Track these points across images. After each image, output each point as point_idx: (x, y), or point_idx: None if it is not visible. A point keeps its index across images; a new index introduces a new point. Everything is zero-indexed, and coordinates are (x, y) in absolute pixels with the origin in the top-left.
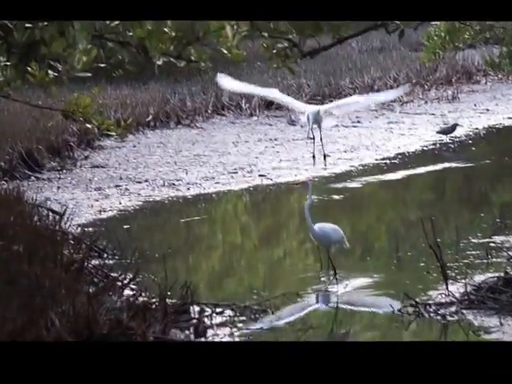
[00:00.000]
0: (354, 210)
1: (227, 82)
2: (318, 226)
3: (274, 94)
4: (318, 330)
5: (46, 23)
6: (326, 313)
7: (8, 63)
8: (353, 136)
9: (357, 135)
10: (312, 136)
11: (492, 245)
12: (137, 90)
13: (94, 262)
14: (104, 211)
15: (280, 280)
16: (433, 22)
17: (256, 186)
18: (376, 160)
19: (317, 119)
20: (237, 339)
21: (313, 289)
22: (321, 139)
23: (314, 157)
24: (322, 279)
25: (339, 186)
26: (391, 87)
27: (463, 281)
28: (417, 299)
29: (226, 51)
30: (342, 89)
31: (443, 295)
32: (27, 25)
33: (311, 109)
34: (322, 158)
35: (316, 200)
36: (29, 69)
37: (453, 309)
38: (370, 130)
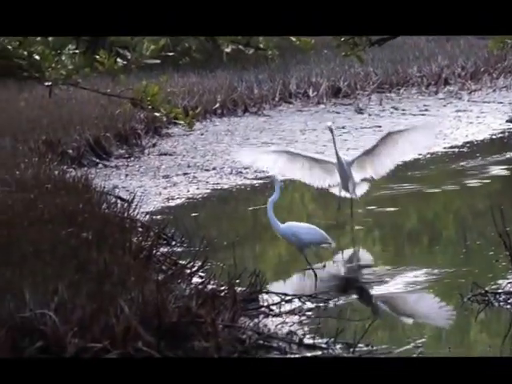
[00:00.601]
0: (422, 198)
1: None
2: (287, 225)
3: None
4: (384, 317)
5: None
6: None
7: (77, 51)
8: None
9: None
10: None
11: None
12: (204, 77)
13: (163, 249)
14: (172, 199)
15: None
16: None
17: None
18: (444, 148)
19: (349, 171)
20: (306, 328)
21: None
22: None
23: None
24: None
25: (407, 174)
26: (459, 75)
27: None
28: (486, 288)
29: (294, 39)
30: (409, 77)
31: None
32: None
33: (346, 159)
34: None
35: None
36: (97, 57)
37: None
38: (437, 119)
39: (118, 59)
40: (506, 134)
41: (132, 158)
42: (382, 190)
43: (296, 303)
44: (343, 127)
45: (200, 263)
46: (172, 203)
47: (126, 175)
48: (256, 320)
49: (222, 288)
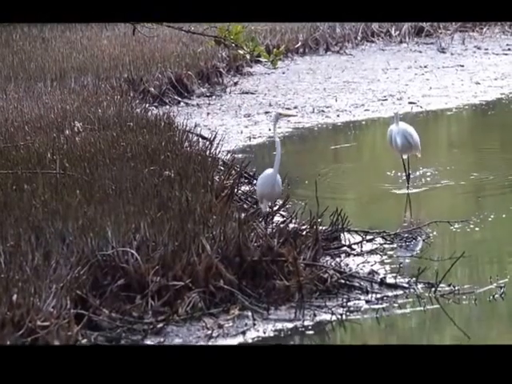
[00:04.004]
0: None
1: None
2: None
3: None
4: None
5: None
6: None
7: None
8: (503, 63)
9: (507, 63)
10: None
11: None
12: None
13: (244, 188)
14: (253, 137)
15: (431, 208)
16: None
17: (406, 113)
18: None
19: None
20: (387, 267)
21: None
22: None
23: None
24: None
25: (490, 113)
26: None
27: None
28: None
29: None
30: None
31: None
32: None
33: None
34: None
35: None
36: None
37: None
38: None
39: None
40: None
41: (213, 97)
42: None
43: (377, 242)
44: (425, 66)
45: (282, 202)
46: (253, 142)
47: (208, 114)
48: (338, 259)
49: (304, 227)
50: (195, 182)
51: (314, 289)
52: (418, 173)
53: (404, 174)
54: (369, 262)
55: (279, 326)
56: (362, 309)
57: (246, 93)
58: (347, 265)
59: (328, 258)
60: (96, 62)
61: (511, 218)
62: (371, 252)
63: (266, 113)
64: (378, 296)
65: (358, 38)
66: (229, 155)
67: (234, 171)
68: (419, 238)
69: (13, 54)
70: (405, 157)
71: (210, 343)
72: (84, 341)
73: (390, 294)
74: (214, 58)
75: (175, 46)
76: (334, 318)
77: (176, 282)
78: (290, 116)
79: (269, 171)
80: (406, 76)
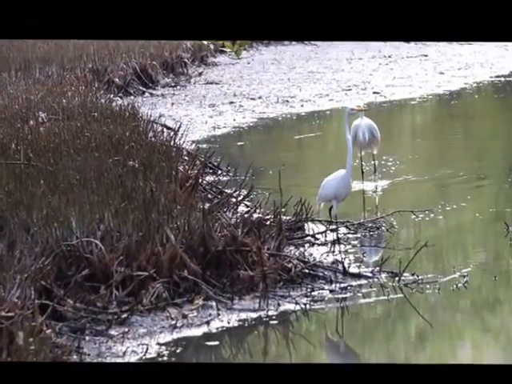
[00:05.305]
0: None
1: None
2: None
3: None
4: (434, 247)
5: None
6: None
7: None
8: (467, 53)
9: (471, 52)
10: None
11: None
12: None
13: (209, 178)
14: (218, 128)
15: (395, 198)
16: None
17: (370, 103)
18: (490, 77)
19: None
20: (351, 257)
21: None
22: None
23: (362, 172)
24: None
25: (453, 102)
26: None
27: None
28: None
29: None
30: None
31: None
32: None
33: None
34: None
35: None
36: None
37: None
38: (484, 48)
39: None
40: None
41: (178, 87)
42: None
43: (341, 232)
44: (389, 56)
45: (246, 192)
46: (218, 132)
47: (172, 104)
48: (302, 249)
49: (268, 217)
50: (159, 172)
51: (277, 278)
52: (381, 162)
53: (363, 164)
54: (333, 252)
55: (243, 315)
56: (326, 298)
57: (211, 83)
58: (311, 254)
59: (292, 247)
60: (61, 52)
61: (474, 207)
62: (335, 242)
63: (231, 103)
64: (342, 285)
65: None
66: (193, 145)
67: (198, 161)
68: (383, 227)
69: None
70: (363, 153)
71: (174, 333)
72: (48, 331)
73: (353, 283)
74: (178, 49)
75: None
76: (297, 307)
77: (140, 272)
78: (362, 111)
79: (341, 172)
80: (370, 66)
